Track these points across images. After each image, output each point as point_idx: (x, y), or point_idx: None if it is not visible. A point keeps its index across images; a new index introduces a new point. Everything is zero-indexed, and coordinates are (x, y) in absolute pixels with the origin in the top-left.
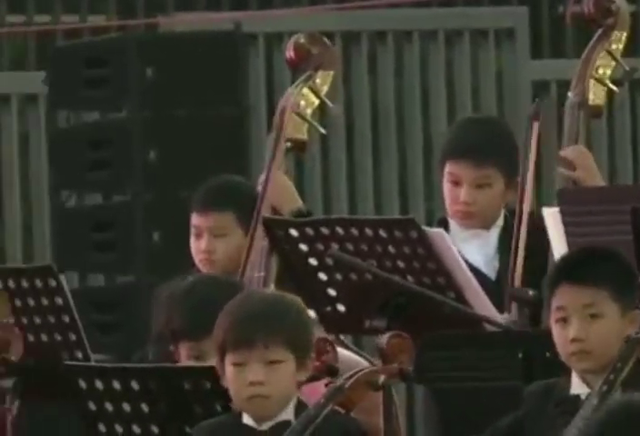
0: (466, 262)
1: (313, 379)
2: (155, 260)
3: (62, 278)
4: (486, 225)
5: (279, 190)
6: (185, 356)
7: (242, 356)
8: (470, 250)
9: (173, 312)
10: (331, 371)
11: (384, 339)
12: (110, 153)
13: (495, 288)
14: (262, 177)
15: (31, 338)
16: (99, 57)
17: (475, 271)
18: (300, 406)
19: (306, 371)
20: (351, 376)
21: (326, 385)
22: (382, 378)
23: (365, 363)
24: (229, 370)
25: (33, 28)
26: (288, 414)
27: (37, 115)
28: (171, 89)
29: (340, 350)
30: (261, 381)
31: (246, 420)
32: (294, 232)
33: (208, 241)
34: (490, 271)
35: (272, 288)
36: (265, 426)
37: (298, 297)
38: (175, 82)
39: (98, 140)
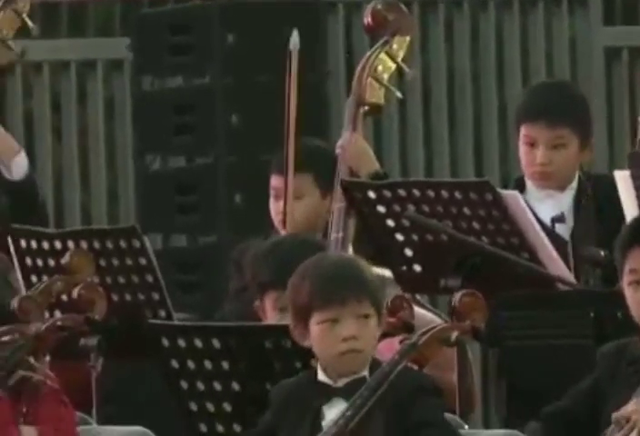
0: (541, 222)
1: (388, 335)
2: (237, 221)
3: (145, 239)
4: (562, 186)
5: (357, 152)
6: (270, 308)
7: (334, 313)
8: (545, 210)
9: (259, 266)
10: (407, 327)
11: (456, 297)
12: (193, 117)
13: (568, 249)
14: (340, 140)
15: (115, 297)
16: (183, 24)
17: (549, 231)
18: (374, 363)
19: (381, 328)
20: (424, 333)
21: (400, 342)
22: (454, 335)
23: (439, 321)
24: (317, 328)
25: None
26: (363, 371)
27: (122, 81)
28: (252, 55)
29: (415, 308)
30: (354, 335)
31: (321, 377)
32: (372, 195)
33: (290, 204)
34: (564, 231)
35: (349, 249)
36: (341, 383)
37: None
38: (256, 48)
39: (182, 105)
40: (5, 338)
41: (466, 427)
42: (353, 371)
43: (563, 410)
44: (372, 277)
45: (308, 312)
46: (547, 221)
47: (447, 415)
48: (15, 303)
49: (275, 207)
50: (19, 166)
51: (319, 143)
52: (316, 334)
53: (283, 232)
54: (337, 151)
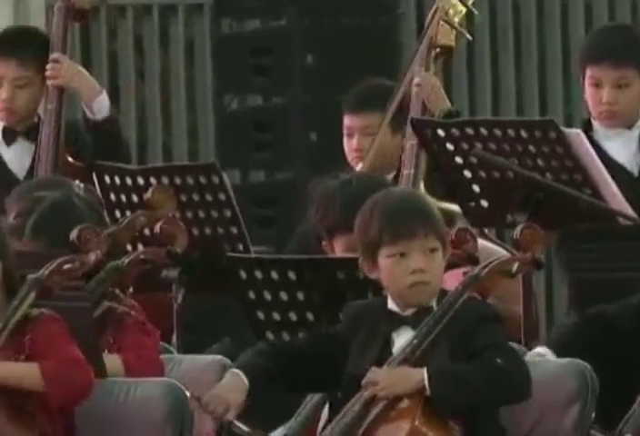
0: (610, 159)
1: (453, 266)
2: (312, 158)
3: (224, 175)
4: (629, 124)
5: (432, 91)
6: (339, 250)
7: (403, 246)
8: (614, 148)
9: (327, 208)
10: (471, 259)
11: (517, 230)
12: (270, 59)
13: (638, 183)
14: (416, 79)
15: (195, 231)
16: None
17: (619, 167)
18: (441, 293)
19: (445, 261)
20: (486, 265)
21: (464, 274)
22: (515, 266)
23: (503, 253)
24: (387, 262)
25: None
26: (430, 301)
27: (202, 24)
28: None
29: (480, 241)
30: (422, 268)
31: (391, 305)
32: (441, 133)
33: (358, 140)
34: (633, 167)
35: (421, 185)
36: (409, 312)
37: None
38: None
39: (259, 47)
40: (67, 266)
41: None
42: (421, 302)
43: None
44: (436, 211)
45: (377, 246)
46: (618, 158)
47: (512, 343)
48: (74, 233)
49: (348, 145)
50: (101, 106)
51: (389, 83)
52: (385, 268)
53: (357, 169)
54: (414, 89)
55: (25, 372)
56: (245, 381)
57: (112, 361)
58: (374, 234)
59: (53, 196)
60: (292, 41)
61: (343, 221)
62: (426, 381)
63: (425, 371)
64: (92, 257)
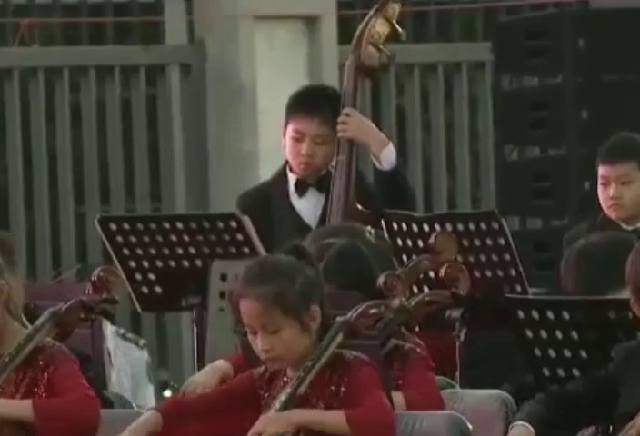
0: None
1: None
2: (585, 207)
3: (504, 221)
4: None
5: None
6: None
7: None
8: None
9: (567, 274)
10: None
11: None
12: (547, 113)
13: None
14: None
15: (477, 274)
16: (538, 30)
17: None
18: None
19: None
20: None
21: None
22: None
23: None
24: None
25: (479, 5)
26: None
27: (484, 80)
28: (600, 58)
29: None
30: None
31: None
32: None
33: (614, 189)
34: None
35: None
36: None
37: None
38: (604, 52)
39: (537, 102)
40: (373, 310)
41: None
42: None
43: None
44: None
45: None
46: None
47: None
48: (380, 280)
49: (603, 194)
50: (388, 157)
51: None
52: None
53: (613, 217)
54: None
55: (332, 418)
56: (532, 430)
57: (396, 398)
58: None
59: (340, 243)
60: (567, 96)
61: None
62: None
63: None
64: (396, 302)
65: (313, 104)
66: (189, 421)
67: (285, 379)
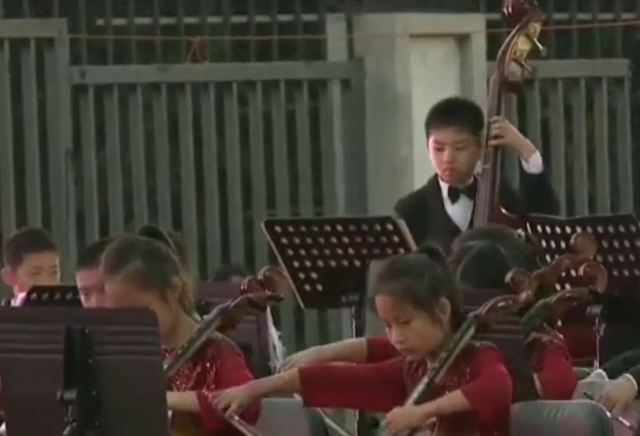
0: None
1: None
2: None
3: None
4: None
5: None
6: None
7: None
8: None
9: None
10: None
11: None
12: None
13: None
14: None
15: (615, 273)
16: None
17: None
18: None
19: None
20: None
21: None
22: None
23: None
24: None
25: (619, 23)
26: None
27: (623, 94)
28: None
29: None
30: None
31: None
32: None
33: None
34: None
35: None
36: None
37: None
38: None
39: None
40: (502, 304)
41: None
42: None
43: None
44: None
45: None
46: None
47: None
48: (508, 276)
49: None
50: (535, 162)
51: None
52: None
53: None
54: None
55: (452, 399)
56: (634, 383)
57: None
58: None
59: (479, 245)
60: None
61: None
62: None
63: None
64: (523, 296)
65: (448, 114)
66: (332, 387)
67: (423, 369)
